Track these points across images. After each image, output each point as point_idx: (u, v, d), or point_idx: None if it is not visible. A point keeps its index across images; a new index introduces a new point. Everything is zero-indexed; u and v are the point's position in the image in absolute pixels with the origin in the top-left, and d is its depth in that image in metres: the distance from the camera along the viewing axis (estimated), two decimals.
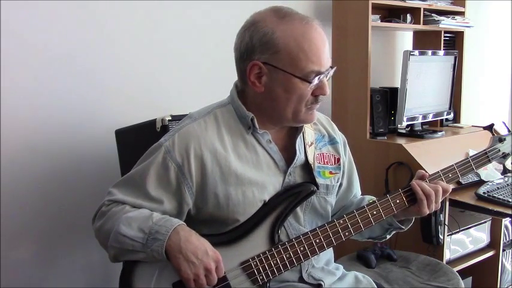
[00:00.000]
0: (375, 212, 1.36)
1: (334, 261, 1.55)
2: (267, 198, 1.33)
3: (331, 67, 1.30)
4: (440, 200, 1.39)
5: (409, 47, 3.17)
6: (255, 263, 1.29)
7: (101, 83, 2.09)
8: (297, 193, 1.35)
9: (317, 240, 1.32)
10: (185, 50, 2.31)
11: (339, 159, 1.47)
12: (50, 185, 2.01)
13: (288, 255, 1.31)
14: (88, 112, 2.07)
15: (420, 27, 2.78)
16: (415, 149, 2.46)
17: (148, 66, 2.21)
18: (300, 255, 1.31)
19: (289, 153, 1.38)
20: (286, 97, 1.28)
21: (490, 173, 2.45)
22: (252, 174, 1.32)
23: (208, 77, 2.36)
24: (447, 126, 3.05)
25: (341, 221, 1.34)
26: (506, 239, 2.78)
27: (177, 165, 1.29)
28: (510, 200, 2.23)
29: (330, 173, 1.44)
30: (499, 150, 1.51)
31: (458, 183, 2.33)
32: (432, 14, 2.82)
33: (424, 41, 3.05)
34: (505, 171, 1.77)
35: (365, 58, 2.52)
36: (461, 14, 3.00)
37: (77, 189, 2.07)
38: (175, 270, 1.22)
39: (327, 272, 1.46)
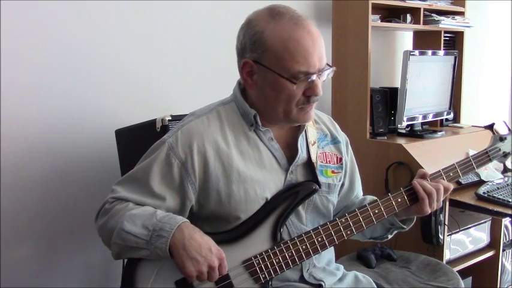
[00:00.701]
0: (376, 211, 1.37)
1: (335, 261, 1.55)
2: (268, 196, 1.34)
3: (330, 67, 1.30)
4: (441, 199, 1.39)
5: (409, 47, 3.17)
6: (257, 261, 1.30)
7: (101, 83, 2.09)
8: (299, 191, 1.35)
9: (319, 239, 1.32)
10: (185, 50, 2.31)
11: (341, 159, 1.48)
12: (50, 185, 2.01)
13: (290, 254, 1.31)
14: (88, 112, 2.07)
15: (420, 27, 2.78)
16: (415, 149, 2.46)
17: (148, 66, 2.21)
18: (302, 253, 1.32)
19: (291, 151, 1.38)
20: (275, 96, 1.29)
21: (490, 173, 2.45)
22: (254, 171, 1.33)
23: (208, 77, 2.36)
24: (447, 126, 3.05)
25: (343, 220, 1.34)
26: (506, 239, 2.78)
27: (181, 161, 1.29)
28: (510, 200, 2.23)
29: (332, 172, 1.44)
30: (500, 149, 1.52)
31: (458, 183, 2.33)
32: (432, 14, 2.82)
33: (424, 41, 3.05)
34: (505, 170, 1.78)
35: (365, 58, 2.52)
36: (461, 14, 3.00)
37: (77, 189, 2.07)
38: (178, 267, 1.21)
39: (328, 272, 1.46)
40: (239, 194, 1.31)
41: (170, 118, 1.79)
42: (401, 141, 2.56)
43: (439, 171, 1.43)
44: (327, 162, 1.44)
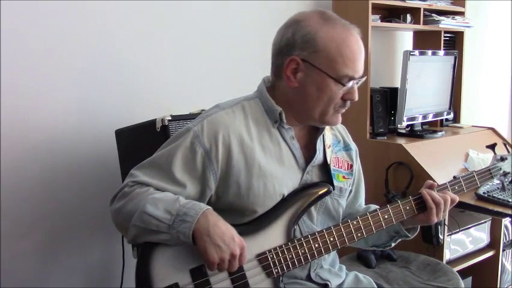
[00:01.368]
0: (386, 216, 1.41)
1: None
2: (285, 192, 1.36)
3: (363, 76, 1.35)
4: (448, 210, 1.44)
5: (409, 47, 3.17)
6: (271, 255, 1.31)
7: (101, 83, 2.09)
8: (313, 192, 1.38)
9: (331, 239, 1.36)
10: (185, 50, 2.31)
11: (351, 166, 1.51)
12: (50, 185, 2.01)
13: (303, 251, 1.33)
14: (88, 112, 2.07)
15: (420, 27, 2.78)
16: (415, 149, 2.46)
17: (148, 66, 2.21)
18: (315, 251, 1.34)
19: (309, 152, 1.41)
20: (317, 96, 1.32)
21: None
22: (274, 167, 1.34)
23: (209, 77, 2.36)
24: (447, 126, 3.06)
25: (354, 222, 1.38)
26: (506, 239, 2.78)
27: (205, 150, 1.30)
28: (510, 200, 2.23)
29: (343, 177, 1.48)
30: (501, 168, 1.61)
31: None
32: (432, 14, 2.83)
33: (424, 41, 3.06)
34: (503, 188, 1.89)
35: (365, 58, 2.52)
36: (461, 14, 3.00)
37: (77, 189, 2.07)
38: (201, 253, 1.22)
39: (334, 274, 1.49)
40: (258, 188, 1.32)
41: (170, 118, 1.79)
42: (401, 141, 2.56)
43: (445, 183, 1.49)
44: (339, 167, 1.47)
